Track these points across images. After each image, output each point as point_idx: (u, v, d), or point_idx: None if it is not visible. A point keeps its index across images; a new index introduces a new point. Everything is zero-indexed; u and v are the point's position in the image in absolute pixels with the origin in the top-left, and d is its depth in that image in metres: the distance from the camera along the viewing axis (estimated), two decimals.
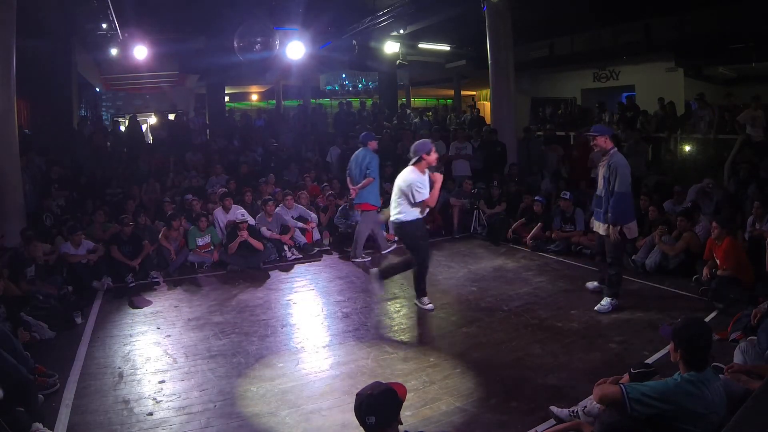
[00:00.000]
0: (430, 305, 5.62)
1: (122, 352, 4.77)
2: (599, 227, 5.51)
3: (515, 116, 11.20)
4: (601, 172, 5.44)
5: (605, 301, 5.47)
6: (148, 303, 6.12)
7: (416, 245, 5.52)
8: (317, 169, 10.76)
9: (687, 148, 10.68)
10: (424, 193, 5.29)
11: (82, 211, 8.42)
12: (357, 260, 7.47)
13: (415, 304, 5.69)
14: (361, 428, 2.26)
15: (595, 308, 5.43)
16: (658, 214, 7.07)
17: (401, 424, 2.31)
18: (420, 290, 5.66)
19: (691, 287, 5.87)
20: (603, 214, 5.37)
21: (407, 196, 5.32)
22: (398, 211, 5.43)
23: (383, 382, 2.38)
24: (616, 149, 5.46)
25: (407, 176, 5.36)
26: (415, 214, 5.39)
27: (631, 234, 5.48)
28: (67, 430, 3.58)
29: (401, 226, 5.46)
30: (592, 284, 5.97)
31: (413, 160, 5.40)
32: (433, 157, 5.40)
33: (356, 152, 7.70)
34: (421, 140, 5.71)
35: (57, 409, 3.80)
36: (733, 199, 7.55)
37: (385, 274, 5.77)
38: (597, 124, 11.91)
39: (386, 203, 8.68)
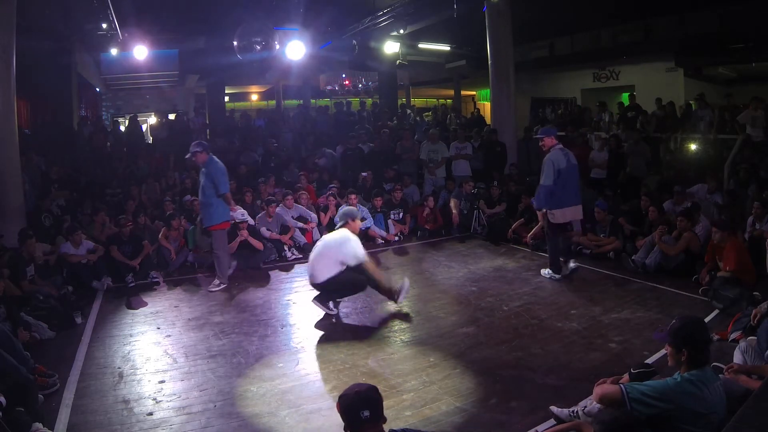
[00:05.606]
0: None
1: (122, 352, 4.77)
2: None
3: (515, 116, 11.20)
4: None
5: (545, 270, 6.52)
6: (148, 303, 6.11)
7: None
8: (317, 169, 10.74)
9: (687, 148, 10.67)
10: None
11: (82, 212, 8.41)
12: None
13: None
14: None
15: (541, 272, 6.51)
16: (658, 214, 7.07)
17: (385, 422, 2.33)
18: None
19: (691, 287, 5.86)
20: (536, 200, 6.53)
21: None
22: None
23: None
24: (556, 146, 6.28)
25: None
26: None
27: (556, 219, 6.28)
28: (67, 430, 3.57)
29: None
30: (544, 271, 6.58)
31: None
32: None
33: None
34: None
35: (57, 409, 3.80)
36: (733, 199, 7.54)
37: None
38: (593, 123, 12.16)
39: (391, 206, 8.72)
